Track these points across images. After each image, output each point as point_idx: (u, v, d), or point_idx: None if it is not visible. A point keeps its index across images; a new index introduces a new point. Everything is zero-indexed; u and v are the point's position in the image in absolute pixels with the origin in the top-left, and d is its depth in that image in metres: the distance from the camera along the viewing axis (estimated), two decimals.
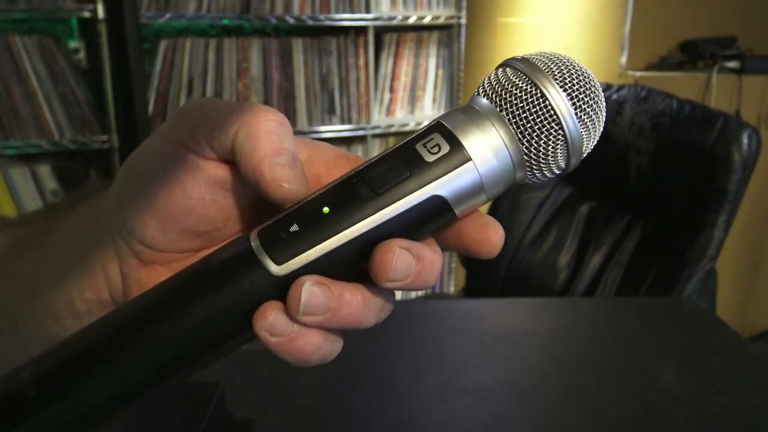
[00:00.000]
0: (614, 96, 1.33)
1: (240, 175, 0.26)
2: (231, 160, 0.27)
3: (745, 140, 1.13)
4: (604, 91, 1.49)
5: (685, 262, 1.16)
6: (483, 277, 1.46)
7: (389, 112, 2.12)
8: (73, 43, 1.79)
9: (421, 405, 0.65)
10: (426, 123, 0.27)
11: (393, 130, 2.07)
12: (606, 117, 0.27)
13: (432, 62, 2.14)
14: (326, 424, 0.62)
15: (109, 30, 1.33)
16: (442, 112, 2.42)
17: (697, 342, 0.79)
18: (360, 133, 2.04)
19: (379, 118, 2.10)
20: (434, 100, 2.16)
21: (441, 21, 2.07)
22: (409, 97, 2.13)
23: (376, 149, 2.13)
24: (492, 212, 1.40)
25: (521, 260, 1.39)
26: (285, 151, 0.26)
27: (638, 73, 2.11)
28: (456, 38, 2.10)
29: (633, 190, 1.30)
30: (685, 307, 0.92)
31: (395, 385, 0.69)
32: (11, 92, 1.66)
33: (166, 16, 1.76)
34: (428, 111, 2.15)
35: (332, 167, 0.28)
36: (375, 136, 2.10)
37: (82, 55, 1.81)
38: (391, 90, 2.11)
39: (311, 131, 1.98)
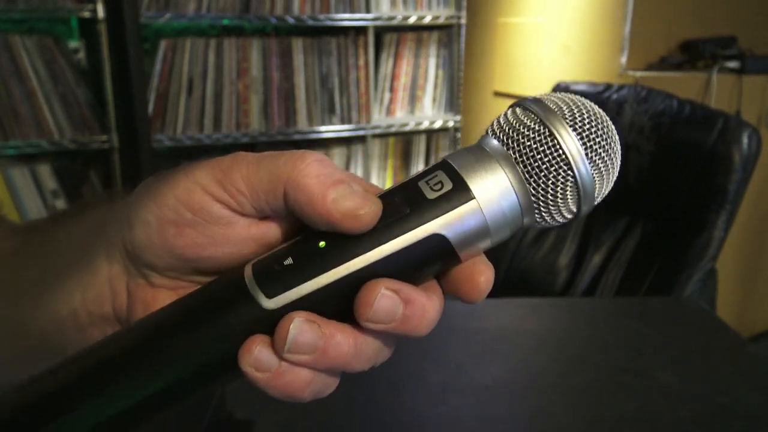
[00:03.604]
0: (614, 96, 1.33)
1: (273, 230, 0.26)
2: (273, 216, 0.26)
3: (745, 140, 1.14)
4: (604, 91, 1.49)
5: (685, 262, 1.16)
6: None
7: (389, 112, 2.12)
8: (73, 43, 1.79)
9: (421, 405, 0.65)
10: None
11: (393, 130, 2.07)
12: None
13: (432, 62, 2.14)
14: (326, 424, 0.62)
15: (109, 30, 1.32)
16: (442, 112, 2.41)
17: (697, 342, 0.79)
18: (360, 133, 2.04)
19: (379, 118, 2.10)
20: (434, 100, 2.16)
21: (441, 21, 2.07)
22: (409, 97, 2.13)
23: (376, 149, 2.13)
24: None
25: (521, 260, 1.39)
26: (339, 183, 0.25)
27: (638, 73, 2.11)
28: (456, 38, 2.10)
29: (633, 190, 1.30)
30: (685, 307, 0.92)
31: (396, 385, 0.69)
32: (11, 92, 1.67)
33: (166, 16, 1.76)
34: (428, 111, 2.15)
35: None
36: (375, 136, 2.10)
37: (82, 55, 1.81)
38: (391, 90, 2.11)
39: (311, 131, 1.98)
